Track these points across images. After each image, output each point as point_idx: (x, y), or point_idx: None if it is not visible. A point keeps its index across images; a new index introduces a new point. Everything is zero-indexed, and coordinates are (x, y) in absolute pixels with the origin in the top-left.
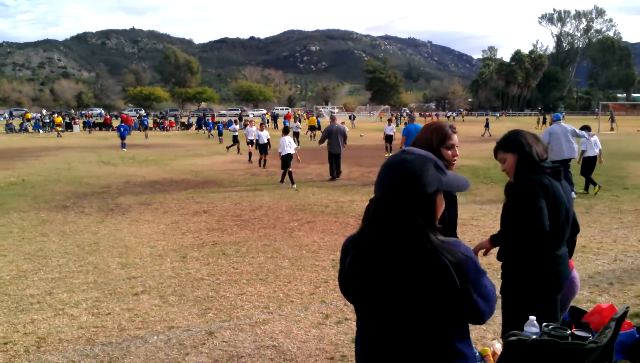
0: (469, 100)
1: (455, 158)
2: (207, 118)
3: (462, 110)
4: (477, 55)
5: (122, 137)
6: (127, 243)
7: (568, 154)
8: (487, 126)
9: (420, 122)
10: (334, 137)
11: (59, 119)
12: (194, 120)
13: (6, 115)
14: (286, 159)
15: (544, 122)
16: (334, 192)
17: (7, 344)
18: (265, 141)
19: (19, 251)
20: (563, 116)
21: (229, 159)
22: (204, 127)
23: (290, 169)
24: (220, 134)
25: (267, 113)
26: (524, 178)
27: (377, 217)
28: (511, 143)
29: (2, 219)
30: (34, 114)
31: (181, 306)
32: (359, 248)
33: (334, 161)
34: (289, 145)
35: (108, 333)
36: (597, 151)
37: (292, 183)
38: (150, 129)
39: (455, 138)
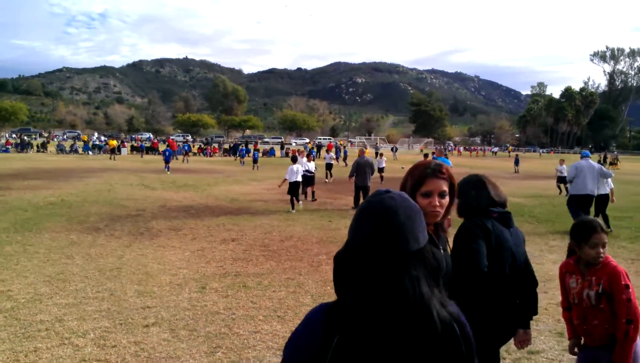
0: (516, 135)
1: (436, 209)
2: (241, 145)
3: (508, 145)
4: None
5: (167, 161)
6: (149, 270)
7: (591, 190)
8: (516, 162)
9: (466, 157)
10: (361, 169)
11: (113, 143)
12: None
13: (64, 136)
14: (293, 187)
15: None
16: None
17: None
18: (313, 171)
19: (40, 273)
20: (591, 154)
21: (267, 187)
22: (237, 154)
23: (294, 196)
24: (255, 161)
25: (309, 142)
26: (466, 220)
27: (394, 279)
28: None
29: (33, 239)
30: (92, 137)
31: (191, 342)
32: (359, 328)
33: (362, 193)
34: (296, 173)
35: None
36: (608, 189)
37: (292, 208)
38: (195, 154)
39: (436, 184)
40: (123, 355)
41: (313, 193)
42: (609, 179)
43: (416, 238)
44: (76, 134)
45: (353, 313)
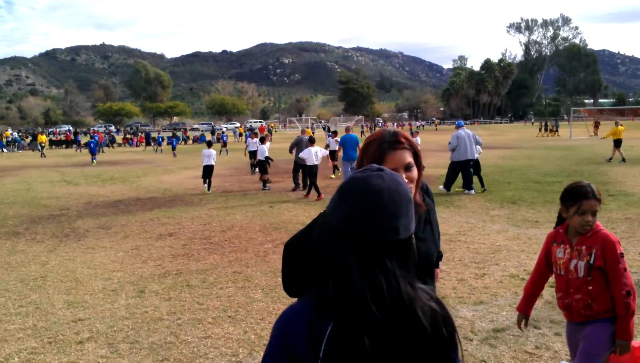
0: (441, 109)
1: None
2: (140, 133)
3: (434, 119)
4: (447, 65)
5: (92, 152)
6: (79, 276)
7: (471, 155)
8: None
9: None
10: (301, 146)
11: (43, 138)
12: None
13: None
14: (312, 170)
15: (546, 129)
16: (311, 208)
17: None
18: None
19: None
20: (465, 124)
21: (200, 174)
22: (152, 143)
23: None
24: (173, 148)
25: (240, 127)
26: None
27: (369, 271)
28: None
29: None
30: (13, 133)
31: (133, 356)
32: (352, 326)
33: (301, 171)
34: (315, 155)
35: None
36: (477, 155)
37: (318, 194)
38: (120, 145)
39: (399, 157)
40: None
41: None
42: (479, 146)
43: (398, 227)
44: None
45: (339, 301)
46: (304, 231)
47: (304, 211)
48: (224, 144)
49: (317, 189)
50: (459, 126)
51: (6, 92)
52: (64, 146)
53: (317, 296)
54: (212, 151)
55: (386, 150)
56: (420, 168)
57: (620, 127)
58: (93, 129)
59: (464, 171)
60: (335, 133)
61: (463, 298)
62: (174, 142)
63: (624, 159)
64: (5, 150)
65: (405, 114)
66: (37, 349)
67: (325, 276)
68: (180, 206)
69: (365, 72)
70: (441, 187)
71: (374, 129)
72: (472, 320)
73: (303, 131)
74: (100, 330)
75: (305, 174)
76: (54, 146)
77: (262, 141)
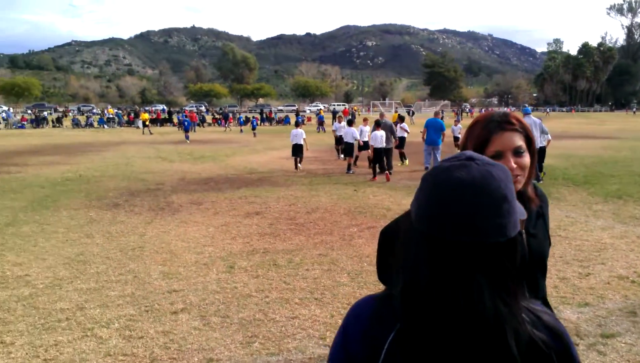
0: (534, 95)
1: (513, 172)
2: (230, 113)
3: (526, 105)
4: (540, 48)
5: (186, 130)
6: (173, 248)
7: (539, 143)
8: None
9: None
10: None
11: (145, 116)
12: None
13: (96, 110)
14: (379, 153)
15: None
16: (396, 193)
17: None
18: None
19: (60, 255)
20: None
21: (286, 155)
22: (227, 124)
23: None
24: (254, 129)
25: (321, 110)
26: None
27: (449, 279)
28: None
29: (51, 218)
30: (115, 110)
31: (224, 330)
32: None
33: (383, 156)
34: (381, 139)
35: None
36: (545, 143)
37: (374, 175)
38: (209, 125)
39: (507, 139)
40: (151, 347)
41: (349, 164)
42: (547, 135)
43: (482, 229)
44: (91, 108)
45: (404, 307)
46: (400, 219)
47: (389, 196)
48: (321, 123)
49: (374, 171)
50: (525, 113)
51: (106, 71)
52: (158, 124)
53: (386, 295)
54: (300, 131)
55: (493, 130)
56: (533, 156)
57: None
58: (185, 109)
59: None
60: (402, 119)
61: (566, 298)
62: (254, 123)
63: None
64: (106, 126)
65: (495, 100)
66: (135, 316)
67: (397, 275)
68: (266, 186)
69: (452, 55)
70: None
71: (461, 115)
72: (577, 323)
73: (382, 115)
74: (193, 302)
75: (380, 156)
76: (150, 124)
77: (350, 123)
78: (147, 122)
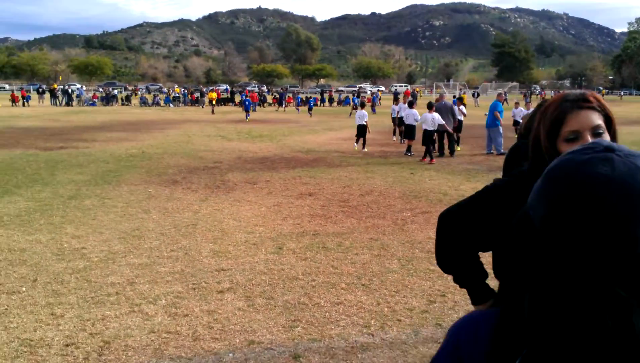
0: (610, 77)
1: None
2: (289, 93)
3: (601, 88)
4: (620, 28)
5: (247, 110)
6: (225, 226)
7: None
8: None
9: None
10: (443, 114)
11: (212, 95)
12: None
13: (164, 89)
14: (428, 135)
15: None
16: (455, 178)
17: (68, 346)
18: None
19: (116, 229)
20: None
21: (343, 136)
22: (284, 104)
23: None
24: (310, 109)
25: (379, 90)
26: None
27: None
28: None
29: (112, 193)
30: (182, 89)
31: (267, 313)
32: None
33: (446, 138)
34: (433, 121)
35: (180, 343)
36: None
37: (424, 157)
38: (270, 105)
39: (585, 118)
40: (195, 326)
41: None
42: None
43: (633, 236)
44: (158, 87)
45: (533, 329)
46: (463, 203)
47: (446, 181)
48: (374, 104)
49: (429, 154)
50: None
51: (174, 52)
52: (222, 103)
53: (509, 312)
54: (364, 112)
55: (568, 110)
56: (614, 137)
57: None
58: (247, 89)
59: None
60: (460, 100)
61: None
62: (311, 103)
63: None
64: (171, 105)
65: (567, 82)
66: (182, 294)
67: (520, 289)
68: (322, 166)
69: (524, 35)
70: None
71: (529, 98)
72: None
73: (442, 96)
74: (239, 281)
75: (430, 138)
76: (215, 104)
77: (411, 105)
78: (213, 101)
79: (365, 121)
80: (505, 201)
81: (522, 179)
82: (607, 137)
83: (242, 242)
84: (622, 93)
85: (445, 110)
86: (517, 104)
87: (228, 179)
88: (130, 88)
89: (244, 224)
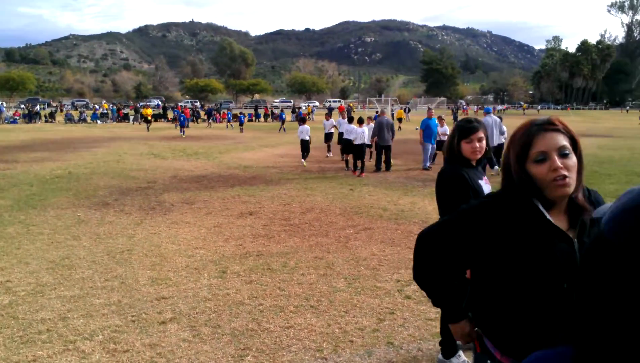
0: (530, 92)
1: (560, 172)
2: (224, 109)
3: (522, 103)
4: (539, 45)
5: (182, 125)
6: (163, 251)
7: (491, 142)
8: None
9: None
10: (383, 129)
11: (148, 111)
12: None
13: (90, 105)
14: (359, 149)
15: None
16: (393, 192)
17: None
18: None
19: (44, 259)
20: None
21: (280, 153)
22: (210, 120)
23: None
24: (241, 124)
25: (308, 106)
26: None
27: None
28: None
29: (38, 218)
30: (110, 105)
31: (215, 342)
32: None
33: (384, 153)
34: (361, 136)
35: None
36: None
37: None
38: (204, 121)
39: (550, 139)
40: (137, 362)
41: (361, 165)
42: (502, 136)
43: None
44: (85, 102)
45: None
46: (442, 224)
47: (385, 196)
48: (301, 119)
49: (360, 167)
50: (486, 113)
51: (102, 66)
52: (155, 119)
53: (588, 353)
54: (306, 127)
55: (535, 132)
56: (579, 158)
57: None
58: (179, 105)
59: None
60: (441, 119)
61: None
62: (241, 118)
63: None
64: (99, 121)
65: (491, 97)
66: (121, 327)
67: (599, 326)
68: (260, 184)
69: (450, 52)
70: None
71: (456, 112)
72: None
73: (382, 113)
74: (182, 310)
75: (359, 154)
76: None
77: (350, 121)
78: (149, 118)
79: (309, 136)
80: (482, 222)
81: (496, 200)
82: (573, 157)
83: (183, 267)
84: (538, 108)
85: (386, 125)
86: (441, 120)
87: (164, 199)
88: (54, 104)
89: (183, 248)
